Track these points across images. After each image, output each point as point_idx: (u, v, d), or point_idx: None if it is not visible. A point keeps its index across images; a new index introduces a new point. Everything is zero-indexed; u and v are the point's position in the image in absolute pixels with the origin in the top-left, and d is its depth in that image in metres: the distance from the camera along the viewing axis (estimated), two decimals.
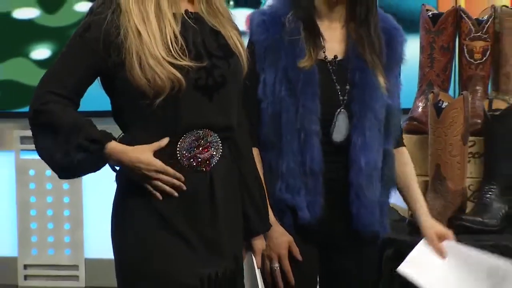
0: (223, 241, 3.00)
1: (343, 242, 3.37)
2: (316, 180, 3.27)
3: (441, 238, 3.33)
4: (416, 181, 3.44)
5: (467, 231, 3.59)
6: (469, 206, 3.75)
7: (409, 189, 3.42)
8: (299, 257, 3.29)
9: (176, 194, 2.89)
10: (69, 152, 2.87)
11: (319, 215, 3.28)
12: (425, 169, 3.74)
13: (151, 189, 2.90)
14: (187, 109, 2.91)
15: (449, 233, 3.34)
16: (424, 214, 3.38)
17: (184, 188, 2.91)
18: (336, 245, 3.38)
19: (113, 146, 2.88)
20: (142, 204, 2.93)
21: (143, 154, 2.89)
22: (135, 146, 2.89)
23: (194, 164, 2.95)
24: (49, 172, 6.84)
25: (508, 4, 5.15)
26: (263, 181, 3.21)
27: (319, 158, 3.25)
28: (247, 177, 3.10)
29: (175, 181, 2.90)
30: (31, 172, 6.88)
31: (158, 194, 2.90)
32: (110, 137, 2.89)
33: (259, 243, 3.19)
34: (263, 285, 3.22)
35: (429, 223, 3.37)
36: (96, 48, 2.88)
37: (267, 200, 3.19)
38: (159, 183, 2.90)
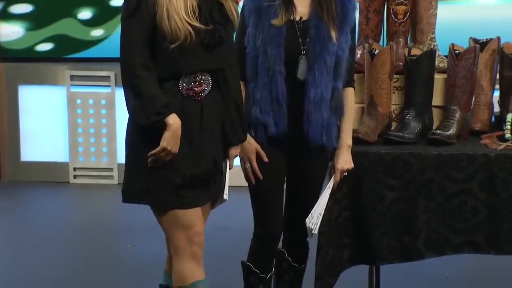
0: (205, 149, 3.04)
1: (300, 152, 3.38)
2: (280, 106, 3.29)
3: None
4: (351, 117, 3.46)
5: (392, 143, 3.58)
6: (394, 125, 3.73)
7: (342, 120, 3.42)
8: (265, 159, 3.32)
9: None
10: (150, 116, 2.91)
11: (281, 130, 3.31)
12: (362, 98, 3.72)
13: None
14: (191, 58, 2.97)
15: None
16: (340, 145, 3.40)
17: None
18: (295, 154, 3.40)
19: (171, 119, 2.92)
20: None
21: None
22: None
23: (190, 94, 3.02)
24: (91, 101, 6.82)
25: None
26: (243, 107, 3.20)
27: (282, 90, 3.28)
28: (228, 104, 3.12)
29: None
30: (78, 101, 6.85)
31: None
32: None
33: (233, 151, 3.20)
34: (228, 182, 3.20)
35: (339, 151, 3.38)
36: (148, 19, 2.92)
37: (244, 121, 3.19)
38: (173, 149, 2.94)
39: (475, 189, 3.46)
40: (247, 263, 3.47)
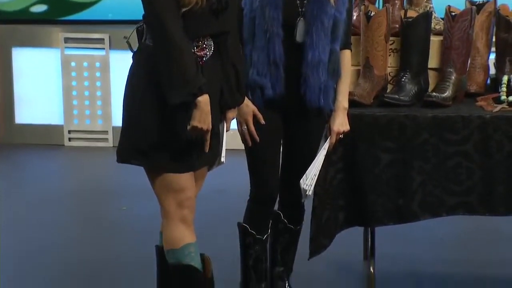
0: None
1: (296, 115, 3.39)
2: (278, 68, 3.29)
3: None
4: (348, 79, 3.46)
5: (388, 105, 3.60)
6: (389, 87, 3.74)
7: (339, 82, 3.42)
8: (262, 122, 3.33)
9: None
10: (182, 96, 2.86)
11: (278, 93, 3.31)
12: (358, 61, 3.73)
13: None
14: (198, 23, 2.95)
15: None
16: (336, 107, 3.40)
17: None
18: (292, 117, 3.40)
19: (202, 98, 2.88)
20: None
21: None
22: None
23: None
24: (86, 64, 6.80)
25: None
26: (242, 71, 3.18)
27: (280, 53, 3.27)
28: (227, 67, 3.09)
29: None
30: (73, 63, 6.82)
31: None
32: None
33: (230, 114, 3.18)
34: (225, 144, 3.20)
35: (335, 113, 3.39)
36: None
37: (242, 84, 3.17)
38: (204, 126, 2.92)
39: (470, 151, 3.49)
40: (244, 224, 3.50)
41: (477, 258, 4.34)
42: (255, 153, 3.40)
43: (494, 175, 3.49)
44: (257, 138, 3.34)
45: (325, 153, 3.39)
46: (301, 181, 3.34)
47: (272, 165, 3.43)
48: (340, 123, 3.39)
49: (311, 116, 3.38)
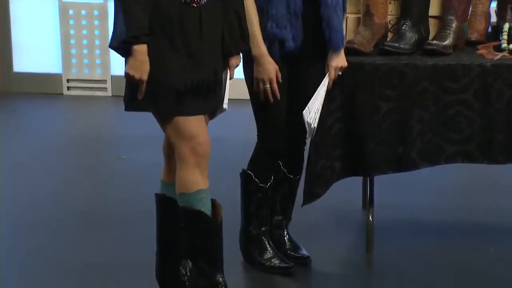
0: (206, 58, 3.03)
1: (305, 62, 3.40)
2: (297, 19, 3.30)
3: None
4: (343, 17, 3.46)
5: (388, 53, 3.59)
6: (390, 35, 3.73)
7: None
8: (280, 80, 3.34)
9: None
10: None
11: (298, 44, 3.31)
12: (358, 9, 3.71)
13: None
14: None
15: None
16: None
17: None
18: (299, 65, 3.40)
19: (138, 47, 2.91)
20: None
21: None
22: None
23: (189, 1, 2.97)
24: (84, 12, 6.76)
25: None
26: (246, 17, 3.16)
27: (299, 3, 3.28)
28: (228, 12, 3.08)
29: None
30: (71, 12, 6.79)
31: None
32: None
33: (233, 61, 3.18)
34: (228, 92, 3.19)
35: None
36: None
37: (245, 30, 3.15)
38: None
39: (470, 99, 3.49)
40: (248, 171, 3.51)
41: (476, 206, 4.36)
42: (266, 107, 3.39)
43: (494, 124, 3.50)
44: (278, 96, 3.34)
45: (325, 89, 3.40)
46: (303, 113, 3.35)
47: (280, 117, 3.43)
48: (338, 59, 3.39)
49: (318, 60, 3.40)
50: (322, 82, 3.40)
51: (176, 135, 3.04)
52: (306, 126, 3.37)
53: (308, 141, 3.49)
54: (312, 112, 3.36)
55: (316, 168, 3.48)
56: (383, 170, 3.57)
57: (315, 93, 3.37)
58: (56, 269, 3.63)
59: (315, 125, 3.38)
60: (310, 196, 3.50)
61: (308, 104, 3.35)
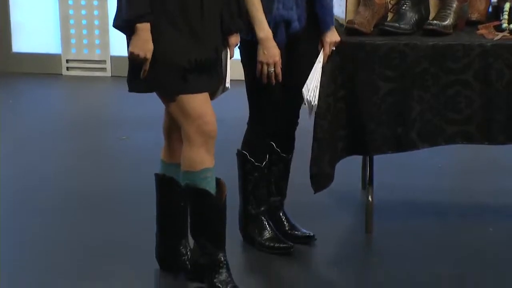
0: (207, 36, 3.04)
1: (308, 41, 3.42)
2: (302, 0, 3.32)
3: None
4: None
5: (388, 33, 3.58)
6: (390, 15, 3.72)
7: None
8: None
9: None
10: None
11: (303, 25, 3.35)
12: None
13: None
14: None
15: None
16: None
17: None
18: (303, 45, 3.42)
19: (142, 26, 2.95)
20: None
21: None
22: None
23: None
24: None
25: None
26: (249, 1, 3.20)
27: None
28: None
29: None
30: None
31: None
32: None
33: (233, 39, 3.19)
34: (229, 70, 3.21)
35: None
36: None
37: (243, 10, 3.17)
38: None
39: (470, 79, 3.49)
40: (243, 151, 3.53)
41: (475, 187, 4.37)
42: (263, 92, 3.40)
43: (494, 104, 3.50)
44: (281, 79, 3.34)
45: (321, 65, 3.42)
46: (303, 90, 3.36)
47: (276, 102, 3.43)
48: (332, 35, 3.42)
49: (313, 40, 3.42)
50: (317, 59, 3.42)
51: (182, 114, 3.04)
52: (306, 104, 3.39)
53: (311, 119, 3.48)
54: (311, 89, 3.37)
55: (323, 146, 3.47)
56: (382, 150, 3.58)
57: (312, 71, 3.39)
58: (56, 249, 3.64)
59: (315, 102, 3.39)
60: (323, 180, 3.49)
61: (307, 82, 3.37)
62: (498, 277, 3.37)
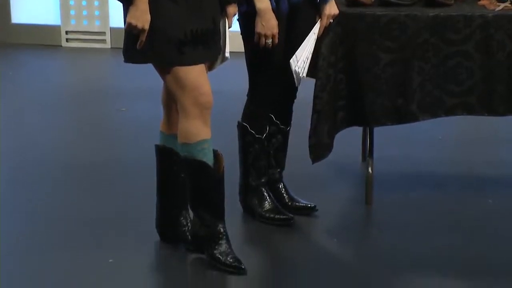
0: (204, 6, 3.03)
1: (306, 12, 3.42)
2: None
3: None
4: None
5: (389, 4, 3.56)
6: None
7: None
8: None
9: None
10: None
11: None
12: None
13: None
14: None
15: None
16: None
17: None
18: (301, 15, 3.42)
19: None
20: None
21: None
22: None
23: None
24: None
25: None
26: None
27: None
28: None
29: None
30: None
31: None
32: None
33: (231, 9, 3.17)
34: (229, 40, 3.19)
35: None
36: None
37: None
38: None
39: (471, 50, 3.48)
40: (243, 123, 3.52)
41: (475, 159, 4.37)
42: (261, 61, 3.39)
43: (495, 75, 3.49)
44: (279, 52, 3.34)
45: (315, 37, 3.41)
46: (291, 61, 3.36)
47: (275, 72, 3.43)
48: (331, 7, 3.42)
49: (312, 11, 3.42)
50: (312, 31, 3.40)
51: (177, 86, 3.03)
52: (294, 75, 3.38)
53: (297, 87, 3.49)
54: (301, 60, 3.36)
55: (322, 117, 3.46)
56: (382, 122, 3.57)
57: (304, 42, 3.38)
58: (56, 222, 3.64)
59: (304, 74, 3.38)
60: (322, 150, 3.49)
61: (296, 53, 3.36)
62: (497, 249, 3.37)
